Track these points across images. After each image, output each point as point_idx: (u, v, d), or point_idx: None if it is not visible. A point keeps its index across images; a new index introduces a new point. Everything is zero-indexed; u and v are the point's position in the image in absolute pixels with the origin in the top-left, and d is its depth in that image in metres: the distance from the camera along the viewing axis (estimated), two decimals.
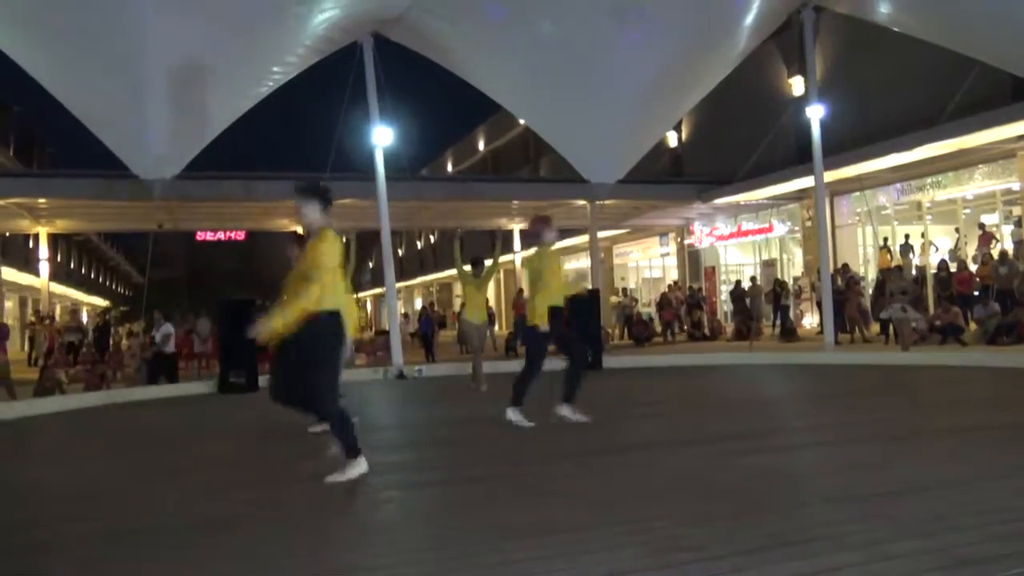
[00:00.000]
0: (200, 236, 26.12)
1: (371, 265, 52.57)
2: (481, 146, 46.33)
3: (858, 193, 20.89)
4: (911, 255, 19.60)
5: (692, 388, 10.28)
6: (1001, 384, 9.10)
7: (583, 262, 33.18)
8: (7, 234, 26.90)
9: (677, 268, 29.84)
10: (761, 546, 3.19)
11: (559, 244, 7.72)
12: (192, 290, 54.91)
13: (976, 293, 15.82)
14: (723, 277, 27.02)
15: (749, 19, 14.52)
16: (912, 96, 19.16)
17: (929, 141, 16.80)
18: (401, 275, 40.54)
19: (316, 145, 22.74)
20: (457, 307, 28.75)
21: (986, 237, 17.56)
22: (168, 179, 15.26)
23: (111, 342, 21.28)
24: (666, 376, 11.43)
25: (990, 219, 18.87)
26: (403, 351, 14.91)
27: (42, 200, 20.98)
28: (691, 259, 29.13)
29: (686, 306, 22.83)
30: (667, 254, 31.26)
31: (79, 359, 17.32)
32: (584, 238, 27.74)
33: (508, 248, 30.47)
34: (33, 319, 28.17)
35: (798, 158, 20.58)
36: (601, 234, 25.27)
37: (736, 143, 24.68)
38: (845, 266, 19.03)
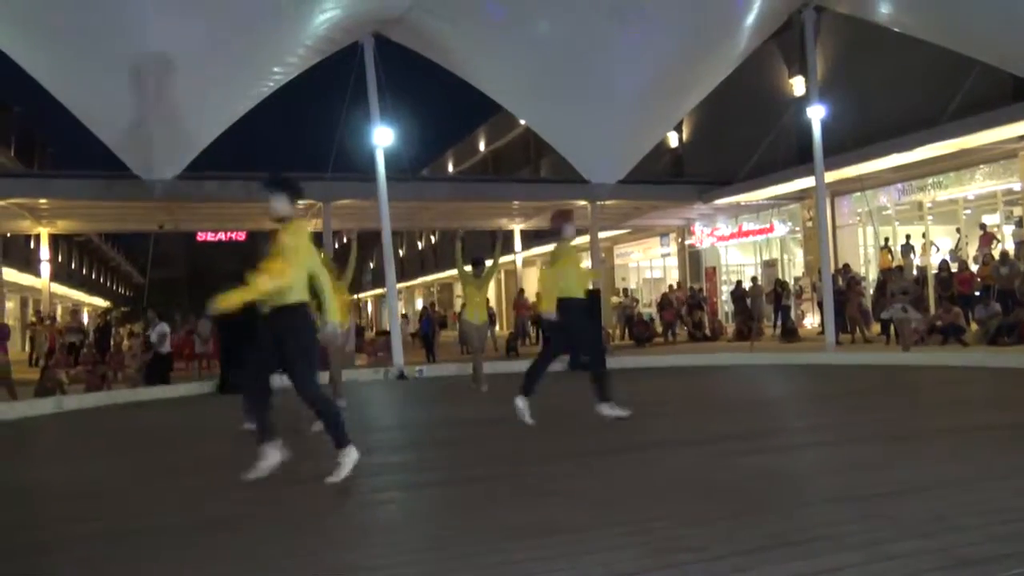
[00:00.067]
0: (201, 237, 26.14)
1: (372, 265, 52.58)
2: (482, 146, 46.33)
3: (859, 193, 20.88)
4: (912, 255, 19.59)
5: (693, 388, 10.28)
6: (1002, 384, 9.09)
7: (584, 263, 33.15)
8: (8, 234, 26.91)
9: (678, 268, 29.84)
10: (762, 546, 3.19)
11: (576, 240, 7.78)
12: (193, 291, 54.91)
13: (977, 293, 15.80)
14: (724, 277, 27.01)
15: (750, 19, 14.51)
16: (913, 96, 19.15)
17: (930, 141, 16.79)
18: (402, 275, 40.52)
19: (317, 145, 22.77)
20: (458, 307, 28.75)
21: (987, 237, 17.55)
22: (169, 179, 15.27)
23: (112, 343, 21.28)
24: (667, 376, 11.43)
25: (991, 219, 18.86)
26: (404, 351, 14.90)
27: (43, 200, 20.99)
28: (692, 259, 29.12)
29: (687, 306, 22.82)
30: (668, 254, 31.25)
31: (80, 360, 17.32)
32: (585, 238, 27.75)
33: (508, 249, 30.47)
34: (34, 319, 28.18)
35: (799, 158, 20.57)
36: (602, 234, 25.26)
37: (737, 143, 24.68)
38: (846, 266, 19.02)
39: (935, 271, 17.83)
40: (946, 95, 17.80)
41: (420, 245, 55.71)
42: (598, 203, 22.33)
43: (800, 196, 22.19)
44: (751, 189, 22.46)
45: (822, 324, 16.50)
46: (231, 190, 20.93)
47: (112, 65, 12.83)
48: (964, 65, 15.65)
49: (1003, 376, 9.72)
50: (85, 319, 38.97)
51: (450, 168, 49.85)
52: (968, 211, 19.84)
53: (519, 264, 33.63)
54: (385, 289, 16.33)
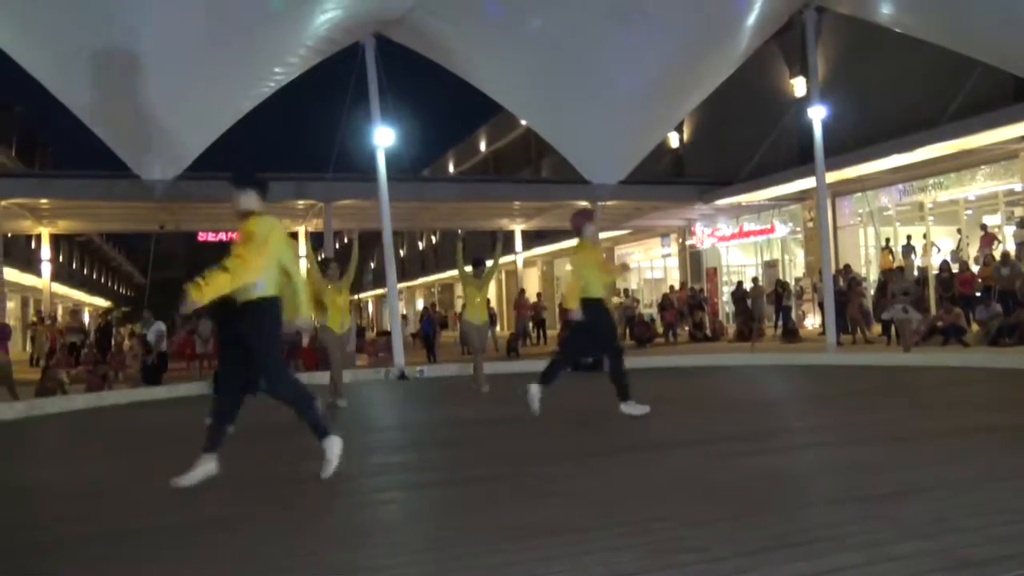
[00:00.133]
0: (202, 237, 26.11)
1: (373, 266, 52.57)
2: (483, 147, 46.35)
3: (860, 194, 20.91)
4: (913, 256, 19.60)
5: (694, 389, 10.27)
6: (1003, 385, 9.08)
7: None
8: (9, 235, 26.89)
9: (679, 269, 29.85)
10: (763, 547, 3.19)
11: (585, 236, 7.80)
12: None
13: (978, 294, 15.80)
14: (725, 278, 27.03)
15: (751, 20, 14.50)
16: (914, 97, 19.16)
17: (931, 142, 16.81)
18: (402, 276, 40.53)
19: (318, 146, 22.77)
20: (459, 308, 28.76)
21: (988, 238, 17.55)
22: (170, 180, 15.29)
23: (113, 343, 21.28)
24: (668, 377, 11.41)
25: (992, 220, 18.87)
26: (404, 352, 14.90)
27: (44, 200, 21.02)
28: (693, 260, 29.13)
29: (687, 307, 22.83)
30: (669, 255, 31.26)
31: (81, 360, 17.32)
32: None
33: (509, 249, 30.48)
34: (35, 319, 28.19)
35: (800, 159, 20.60)
36: (603, 235, 25.29)
37: (738, 144, 24.69)
38: (847, 267, 19.02)
39: (936, 272, 17.83)
40: (947, 96, 17.80)
41: (421, 245, 55.75)
42: (599, 203, 22.33)
43: (801, 197, 22.21)
44: (752, 190, 22.48)
45: (823, 325, 16.51)
46: (231, 190, 20.91)
47: (113, 65, 12.83)
48: (965, 66, 15.65)
49: (1004, 377, 9.71)
50: (86, 319, 39.00)
51: (451, 168, 49.88)
52: (969, 212, 19.85)
53: (520, 264, 33.64)
54: (386, 289, 16.33)
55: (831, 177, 16.67)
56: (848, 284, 17.30)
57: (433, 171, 49.30)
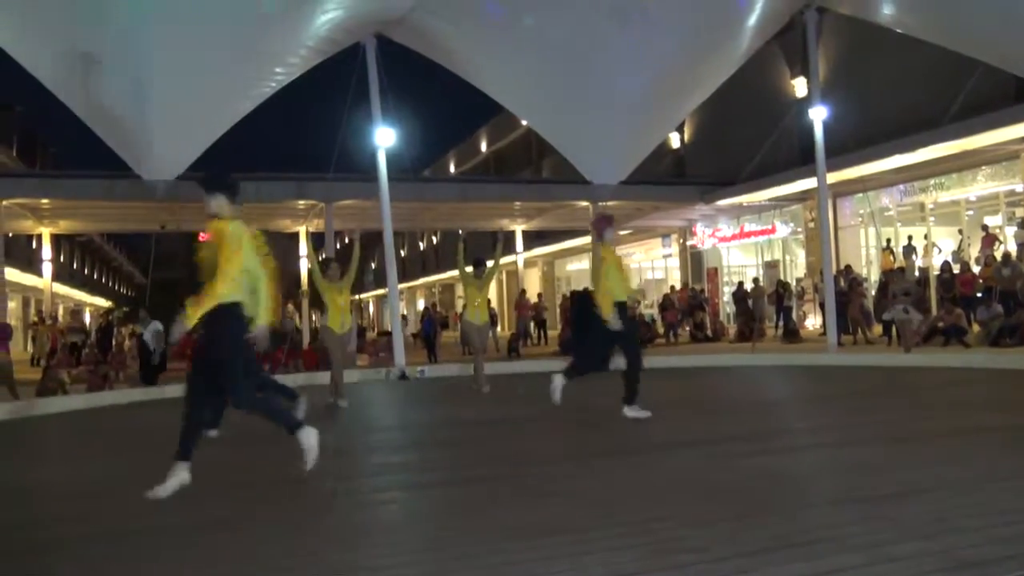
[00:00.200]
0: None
1: (373, 266, 52.60)
2: (484, 147, 46.37)
3: (861, 194, 20.89)
4: (914, 256, 19.59)
5: (694, 389, 10.26)
6: (1004, 386, 9.07)
7: (585, 264, 33.19)
8: (10, 234, 26.90)
9: (680, 269, 29.84)
10: (764, 547, 3.19)
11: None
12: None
13: (979, 295, 15.79)
14: (726, 278, 27.01)
15: (752, 20, 14.50)
16: (915, 97, 19.15)
17: (932, 142, 16.79)
18: (403, 276, 40.53)
19: (319, 146, 22.81)
20: (459, 308, 28.77)
21: (989, 239, 17.53)
22: (171, 180, 15.28)
23: (114, 343, 21.29)
24: (668, 377, 11.40)
25: (993, 220, 18.85)
26: (405, 352, 14.90)
27: (45, 200, 21.02)
28: (693, 260, 29.12)
29: (688, 307, 22.82)
30: (669, 255, 31.25)
31: (82, 360, 17.33)
32: (586, 239, 27.76)
33: (509, 249, 30.48)
34: (36, 319, 28.21)
35: (801, 159, 20.59)
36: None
37: (739, 144, 24.70)
38: (848, 267, 19.01)
39: (937, 272, 17.82)
40: (948, 96, 17.80)
41: (422, 246, 55.75)
42: (600, 204, 22.34)
43: (802, 197, 22.20)
44: (753, 190, 22.47)
45: (824, 325, 16.49)
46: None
47: (114, 65, 12.83)
48: (966, 66, 15.65)
49: (1005, 378, 9.70)
50: (87, 319, 39.02)
51: (452, 169, 49.89)
52: (970, 212, 19.83)
53: (521, 265, 33.64)
54: (386, 290, 16.32)
55: (832, 177, 16.65)
56: (849, 285, 17.29)
57: (434, 171, 49.31)
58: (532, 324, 25.01)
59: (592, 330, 7.37)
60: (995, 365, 10.91)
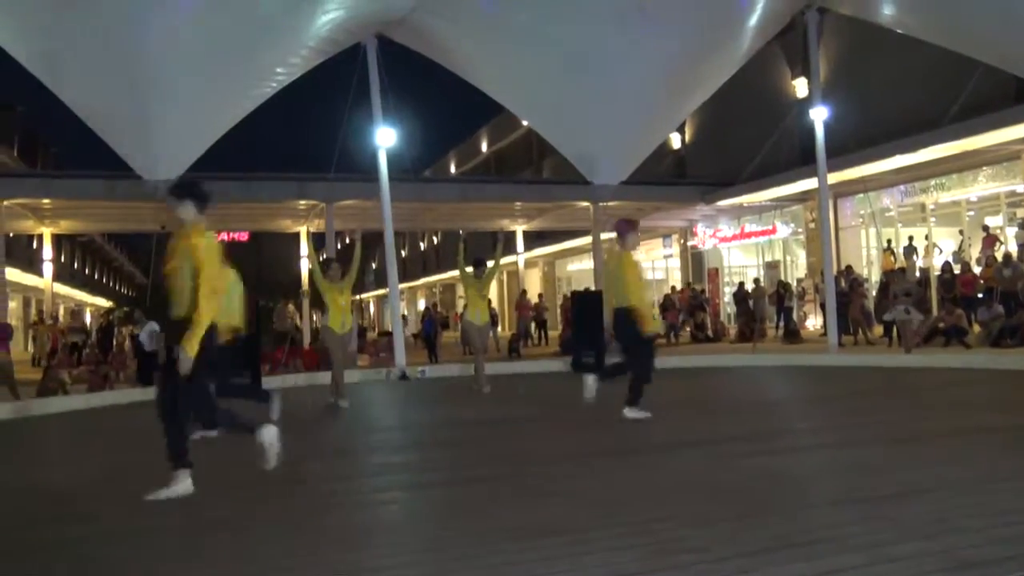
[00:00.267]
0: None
1: (374, 266, 52.63)
2: (484, 147, 46.37)
3: (862, 195, 20.88)
4: (915, 257, 19.58)
5: (695, 390, 10.26)
6: (1004, 386, 9.08)
7: (586, 264, 33.18)
8: (11, 234, 26.94)
9: (680, 270, 29.83)
10: (764, 548, 3.19)
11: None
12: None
13: (980, 295, 15.79)
14: (726, 279, 27.00)
15: (753, 20, 14.49)
16: (916, 98, 19.15)
17: (933, 143, 16.79)
18: (404, 276, 40.53)
19: (320, 146, 22.85)
20: (460, 308, 28.78)
21: (990, 239, 17.53)
22: (172, 180, 15.27)
23: (114, 343, 21.30)
24: (669, 377, 11.41)
25: (994, 221, 18.85)
26: (406, 352, 14.90)
27: (46, 200, 21.04)
28: (694, 261, 29.12)
29: (689, 307, 22.81)
30: (670, 256, 31.24)
31: (83, 360, 17.34)
32: (587, 240, 27.75)
33: (510, 250, 30.48)
34: (36, 319, 28.24)
35: (802, 160, 20.59)
36: (604, 235, 25.24)
37: (740, 145, 24.70)
38: (848, 268, 19.00)
39: (938, 273, 17.81)
40: (949, 96, 17.80)
41: (422, 246, 55.75)
42: (600, 204, 22.34)
43: (803, 197, 22.19)
44: (754, 190, 22.47)
45: (824, 326, 16.48)
46: (234, 190, 20.97)
47: (115, 65, 12.84)
48: (967, 66, 15.64)
49: (1005, 378, 9.70)
50: (88, 319, 39.04)
51: (452, 169, 49.90)
52: (971, 213, 19.83)
53: (521, 265, 33.65)
54: (387, 290, 16.32)
55: (833, 178, 16.65)
56: (850, 285, 17.29)
57: (435, 171, 49.32)
58: (533, 324, 25.02)
59: (628, 337, 7.34)
60: (996, 366, 10.91)
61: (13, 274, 27.02)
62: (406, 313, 43.90)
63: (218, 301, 4.72)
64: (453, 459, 5.88)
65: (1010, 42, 12.70)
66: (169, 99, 13.24)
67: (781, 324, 19.89)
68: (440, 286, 52.03)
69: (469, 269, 10.54)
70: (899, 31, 14.99)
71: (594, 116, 15.73)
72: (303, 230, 25.63)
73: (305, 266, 24.22)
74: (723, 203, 23.97)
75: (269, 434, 4.71)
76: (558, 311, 27.89)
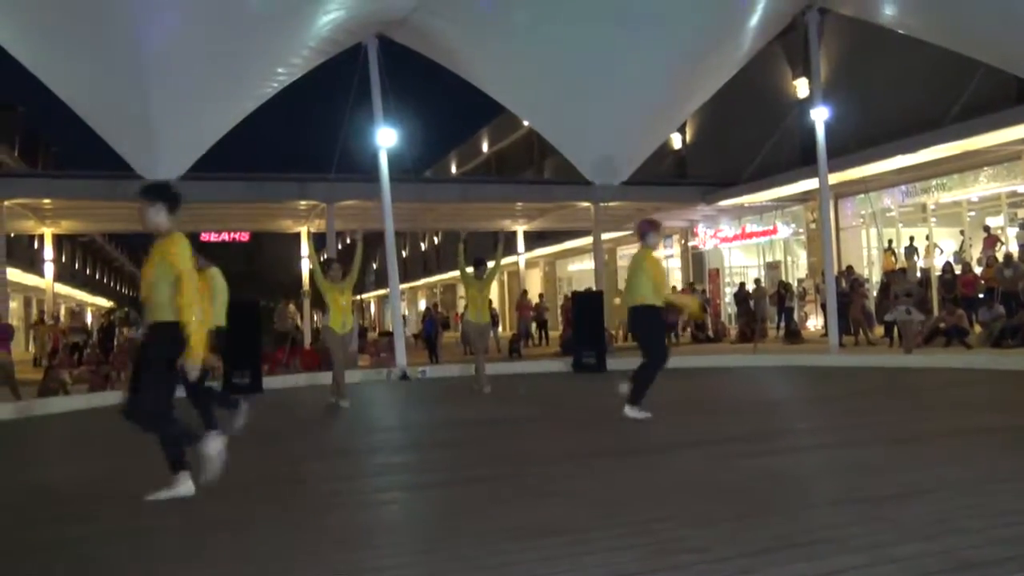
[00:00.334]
0: (204, 237, 26.17)
1: (375, 266, 52.64)
2: (485, 148, 46.37)
3: (863, 195, 20.88)
4: (915, 257, 19.57)
5: (695, 390, 10.25)
6: (1005, 387, 9.07)
7: (587, 264, 33.18)
8: (12, 235, 26.96)
9: (681, 270, 29.82)
10: (765, 548, 3.18)
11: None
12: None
13: (981, 296, 15.78)
14: (727, 279, 26.99)
15: (754, 21, 14.50)
16: (917, 98, 19.14)
17: (934, 143, 16.77)
18: (405, 277, 40.53)
19: (321, 146, 22.90)
20: (461, 309, 28.78)
21: (991, 239, 17.53)
22: (172, 180, 15.30)
23: (115, 343, 21.30)
24: (669, 378, 11.41)
25: (995, 221, 18.84)
26: (406, 352, 14.90)
27: (47, 201, 21.03)
28: (695, 261, 29.10)
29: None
30: (671, 256, 31.23)
31: (83, 360, 17.34)
32: (588, 240, 27.75)
33: (510, 249, 30.48)
34: (37, 319, 28.26)
35: (802, 160, 20.59)
36: (605, 236, 25.27)
37: (740, 145, 24.69)
38: (849, 268, 18.99)
39: (939, 273, 17.81)
40: (950, 97, 17.79)
41: (423, 246, 55.75)
42: (601, 204, 22.33)
43: (804, 198, 22.18)
44: (755, 191, 22.45)
45: (825, 326, 16.48)
46: (235, 191, 20.99)
47: (116, 65, 12.85)
48: (968, 67, 15.64)
49: (1006, 378, 9.70)
50: (89, 319, 39.04)
51: (453, 169, 49.90)
52: (972, 213, 19.81)
53: (522, 265, 33.65)
54: (387, 290, 16.32)
55: (834, 178, 16.64)
56: (850, 285, 17.28)
57: (435, 172, 49.33)
58: (533, 325, 25.02)
59: (642, 335, 7.36)
60: (997, 366, 10.90)
61: (14, 274, 27.04)
62: (407, 313, 43.91)
63: (195, 307, 4.65)
64: (454, 459, 5.88)
65: (1011, 42, 12.70)
66: (170, 99, 13.25)
67: (782, 324, 19.89)
68: (441, 286, 52.04)
69: (469, 269, 10.54)
70: (900, 31, 14.99)
71: (595, 116, 15.74)
72: (304, 230, 25.64)
73: (306, 266, 24.23)
74: (724, 203, 23.95)
75: (214, 445, 4.60)
76: (559, 311, 27.89)
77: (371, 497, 4.74)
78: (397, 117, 15.01)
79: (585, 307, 14.51)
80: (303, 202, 22.18)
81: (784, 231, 25.05)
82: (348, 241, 37.74)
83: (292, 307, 20.73)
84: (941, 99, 18.14)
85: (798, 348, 16.67)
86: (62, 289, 36.74)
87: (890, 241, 20.51)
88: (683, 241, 29.55)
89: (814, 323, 21.61)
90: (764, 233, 25.62)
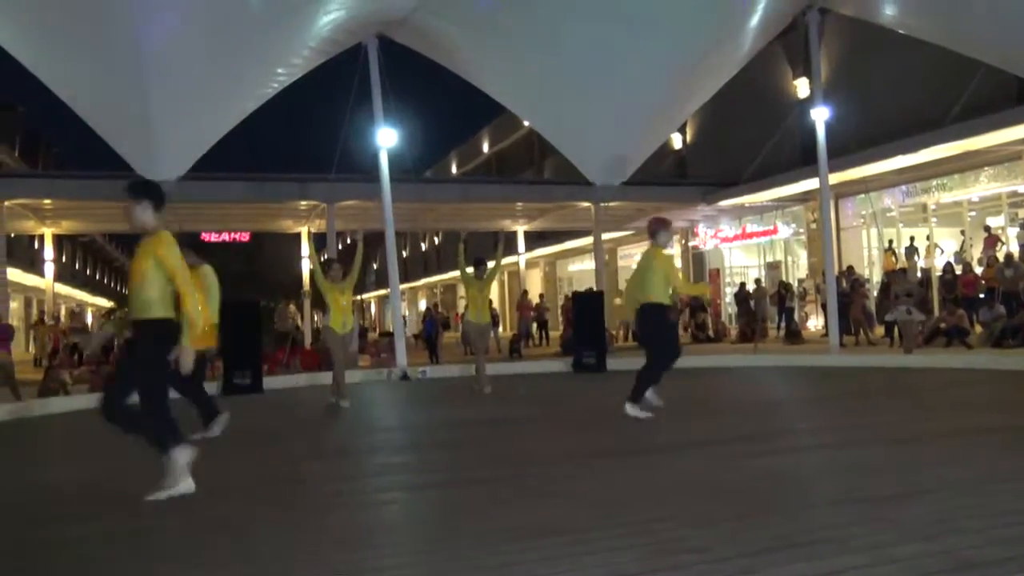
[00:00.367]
0: (205, 237, 26.20)
1: (375, 267, 52.61)
2: (485, 148, 46.38)
3: (863, 195, 20.88)
4: (916, 257, 19.57)
5: (696, 390, 10.25)
6: (1006, 387, 9.07)
7: (587, 264, 33.19)
8: (12, 235, 26.97)
9: (681, 270, 29.80)
10: (765, 548, 3.18)
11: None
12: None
13: (981, 296, 15.78)
14: (727, 279, 26.99)
15: (754, 21, 14.49)
16: (917, 98, 19.14)
17: (934, 143, 16.78)
18: (405, 277, 40.51)
19: (321, 146, 22.90)
20: (461, 309, 28.79)
21: (991, 239, 17.53)
22: (173, 180, 15.27)
23: (116, 343, 21.30)
24: (670, 378, 11.41)
25: (995, 221, 18.84)
26: (406, 352, 14.90)
27: (47, 201, 21.05)
28: (695, 261, 29.10)
29: (689, 308, 22.80)
30: (672, 256, 31.21)
31: (84, 360, 17.34)
32: (588, 240, 27.76)
33: (510, 249, 30.49)
34: (37, 319, 28.27)
35: (803, 160, 20.59)
36: (605, 236, 25.27)
37: (741, 145, 24.69)
38: (850, 268, 18.99)
39: (939, 273, 17.81)
40: (950, 97, 17.79)
41: (423, 246, 55.76)
42: (602, 204, 22.33)
43: (804, 198, 22.18)
44: (755, 191, 22.46)
45: (826, 326, 16.48)
46: (235, 191, 20.99)
47: (117, 65, 12.85)
48: (968, 67, 15.64)
49: (1007, 379, 9.69)
50: (89, 319, 39.04)
51: (454, 169, 49.92)
52: (972, 213, 19.82)
53: (522, 266, 33.65)
54: (388, 290, 16.32)
55: (834, 178, 16.64)
56: (851, 285, 17.28)
57: (436, 172, 49.34)
58: (534, 325, 25.04)
59: (649, 334, 7.38)
60: (997, 366, 10.89)
61: (14, 274, 27.05)
62: (407, 313, 43.90)
63: (195, 302, 4.67)
64: (454, 460, 5.88)
65: (1011, 43, 12.69)
66: (171, 99, 13.24)
67: (782, 324, 19.89)
68: (441, 286, 52.05)
69: (469, 269, 10.54)
70: (900, 31, 14.99)
71: (596, 116, 15.72)
72: (304, 230, 25.65)
73: (306, 266, 24.25)
74: (724, 203, 23.96)
75: (182, 456, 4.55)
76: (559, 311, 27.90)
77: (371, 497, 4.74)
78: (397, 117, 15.03)
79: (585, 307, 14.52)
80: (303, 202, 22.19)
81: (784, 231, 25.05)
82: (348, 241, 37.73)
83: (292, 307, 20.74)
84: (941, 99, 18.14)
85: (798, 348, 16.67)
86: (62, 289, 36.75)
87: (891, 241, 20.52)
88: (683, 241, 29.54)
89: (814, 323, 21.61)
90: (764, 233, 25.63)
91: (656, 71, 15.01)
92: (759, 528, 3.48)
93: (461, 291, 38.72)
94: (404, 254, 54.60)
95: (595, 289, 19.10)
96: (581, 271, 36.54)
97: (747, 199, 23.23)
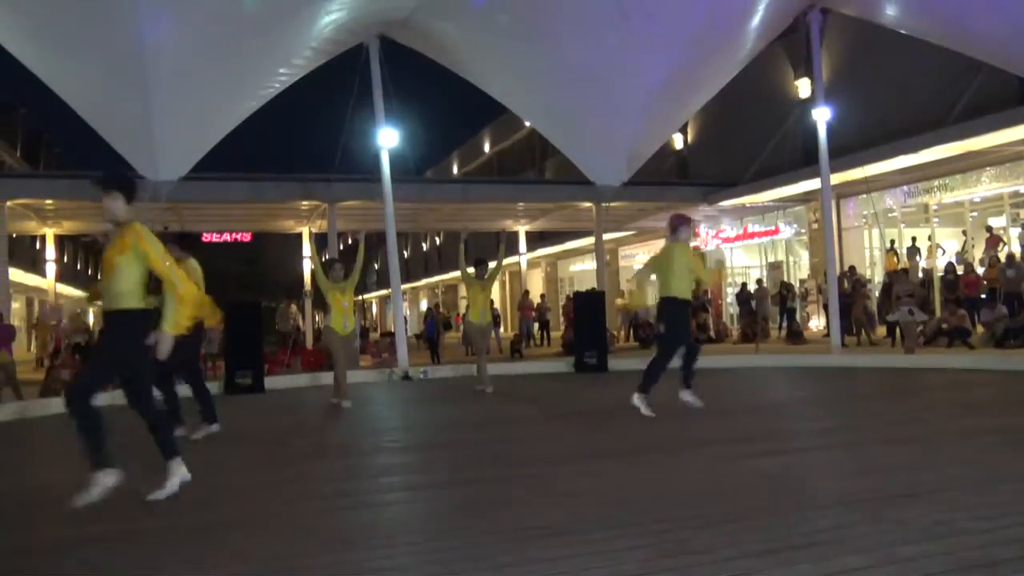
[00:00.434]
0: (206, 238, 26.21)
1: (376, 267, 52.64)
2: (487, 148, 46.39)
3: (865, 195, 20.84)
4: (918, 258, 19.56)
5: (697, 390, 10.22)
6: (1008, 387, 9.05)
7: (589, 264, 33.18)
8: (14, 235, 26.97)
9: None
10: (769, 549, 3.17)
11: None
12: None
13: (983, 296, 15.77)
14: (729, 279, 26.98)
15: (756, 21, 14.47)
16: (919, 98, 19.12)
17: (936, 143, 16.76)
18: (406, 277, 40.52)
19: (322, 147, 22.93)
20: (462, 309, 28.80)
21: (993, 240, 17.52)
22: (174, 181, 15.29)
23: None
24: (671, 378, 11.40)
25: (997, 222, 18.83)
26: (408, 352, 14.89)
27: (49, 201, 21.05)
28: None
29: (691, 308, 22.77)
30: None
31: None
32: (590, 240, 27.74)
33: (511, 249, 30.48)
34: (38, 320, 28.27)
35: (804, 160, 20.56)
36: (607, 236, 25.26)
37: (742, 145, 24.68)
38: (852, 268, 18.98)
39: (941, 273, 17.80)
40: (952, 97, 17.78)
41: (425, 247, 55.78)
42: (603, 205, 22.31)
43: (806, 198, 22.17)
44: (756, 191, 22.44)
45: (827, 326, 16.46)
46: (237, 191, 20.99)
47: (118, 66, 12.85)
48: (970, 67, 15.62)
49: (1009, 379, 9.68)
50: (91, 320, 38.98)
51: (455, 169, 49.93)
52: (974, 213, 19.80)
53: (524, 266, 33.64)
54: (389, 290, 16.32)
55: (836, 178, 16.63)
56: (853, 286, 17.27)
57: (437, 172, 49.35)
58: (535, 325, 25.03)
59: (670, 326, 7.48)
60: (999, 367, 10.88)
61: (16, 275, 27.06)
62: (408, 314, 43.90)
63: (188, 288, 4.71)
64: (455, 460, 5.88)
65: (1013, 43, 12.68)
66: (172, 99, 13.23)
67: (784, 325, 19.87)
68: (442, 286, 52.05)
69: (471, 270, 10.55)
70: (902, 32, 14.97)
71: (597, 116, 15.71)
72: (306, 231, 25.65)
73: (308, 267, 24.25)
74: (726, 203, 23.94)
75: (106, 479, 4.59)
76: (560, 312, 27.89)
77: (373, 497, 4.73)
78: (399, 117, 15.02)
79: (587, 307, 14.51)
80: (305, 202, 22.18)
81: (786, 231, 25.04)
82: (350, 241, 37.74)
83: (294, 308, 20.75)
84: (943, 99, 18.12)
85: (800, 348, 16.65)
86: (64, 289, 36.76)
87: (892, 241, 20.50)
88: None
89: (816, 323, 21.60)
90: (766, 233, 25.61)
91: (658, 71, 14.99)
92: (761, 529, 3.48)
93: (462, 291, 38.74)
94: (405, 254, 54.61)
95: (596, 289, 19.09)
96: (582, 271, 36.54)
97: (748, 199, 23.22)
